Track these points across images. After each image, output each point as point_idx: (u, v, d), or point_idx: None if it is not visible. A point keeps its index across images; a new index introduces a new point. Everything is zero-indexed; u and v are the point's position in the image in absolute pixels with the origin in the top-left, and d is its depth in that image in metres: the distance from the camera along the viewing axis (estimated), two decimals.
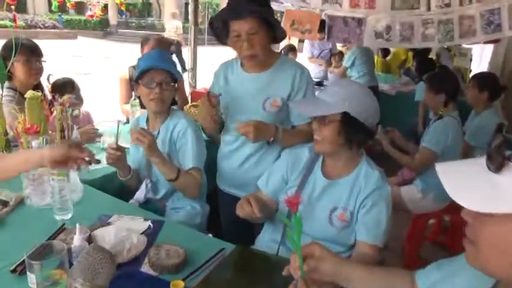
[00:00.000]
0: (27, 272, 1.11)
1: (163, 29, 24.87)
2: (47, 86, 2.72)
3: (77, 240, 1.17)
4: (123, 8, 15.25)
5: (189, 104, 3.25)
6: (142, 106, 2.01)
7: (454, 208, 2.42)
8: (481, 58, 7.04)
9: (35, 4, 24.20)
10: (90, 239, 1.37)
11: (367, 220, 1.42)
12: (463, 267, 0.86)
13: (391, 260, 2.54)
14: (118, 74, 3.26)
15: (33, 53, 2.41)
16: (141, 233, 1.49)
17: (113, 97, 3.91)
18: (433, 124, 2.65)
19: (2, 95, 2.18)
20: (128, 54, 2.95)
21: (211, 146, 2.15)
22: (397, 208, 2.53)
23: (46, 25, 20.23)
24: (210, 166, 2.04)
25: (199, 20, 4.31)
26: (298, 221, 0.95)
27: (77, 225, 1.19)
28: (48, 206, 1.63)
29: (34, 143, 1.67)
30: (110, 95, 4.80)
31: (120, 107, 3.45)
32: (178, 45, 9.42)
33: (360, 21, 3.30)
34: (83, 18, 22.64)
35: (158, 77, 1.82)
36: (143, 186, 1.93)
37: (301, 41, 7.15)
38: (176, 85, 1.92)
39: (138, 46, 3.28)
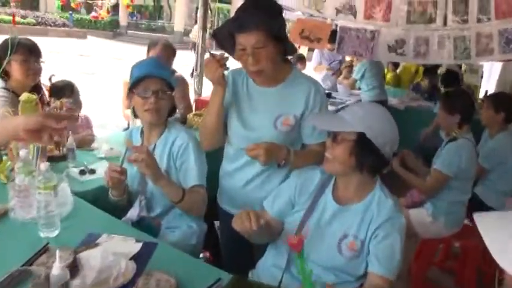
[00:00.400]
0: None
1: (173, 32, 25.06)
2: (45, 87, 2.62)
3: (57, 268, 1.06)
4: (130, 10, 15.27)
5: (193, 112, 3.15)
6: (136, 117, 1.86)
7: (465, 234, 2.29)
8: (490, 74, 6.92)
9: (47, 2, 24.35)
10: (74, 263, 1.26)
11: (380, 252, 1.33)
12: None
13: (396, 284, 2.42)
14: (123, 76, 3.15)
15: (31, 53, 2.31)
16: (131, 257, 1.37)
17: (117, 99, 3.81)
18: (445, 146, 2.51)
19: None
20: (136, 56, 2.91)
21: (208, 155, 2.00)
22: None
23: (56, 23, 20.28)
24: (208, 178, 1.92)
25: (208, 25, 4.21)
26: (302, 265, 0.83)
27: (57, 251, 1.07)
28: (34, 220, 1.51)
29: (22, 152, 1.55)
30: (115, 97, 4.74)
31: (122, 111, 3.35)
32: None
33: (373, 34, 3.18)
34: (106, 15, 22.76)
35: (154, 86, 1.69)
36: (137, 203, 1.81)
37: (310, 49, 7.06)
38: (173, 93, 1.80)
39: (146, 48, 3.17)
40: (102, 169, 2.04)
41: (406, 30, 3.04)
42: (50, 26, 19.87)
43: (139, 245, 1.45)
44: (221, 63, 1.58)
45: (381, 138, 1.31)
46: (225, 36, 1.62)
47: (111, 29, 25.01)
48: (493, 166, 2.88)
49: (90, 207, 1.73)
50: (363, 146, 1.31)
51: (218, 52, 1.64)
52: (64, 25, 20.40)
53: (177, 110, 3.10)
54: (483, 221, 0.64)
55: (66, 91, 2.50)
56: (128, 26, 27.11)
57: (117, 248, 1.41)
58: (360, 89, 5.40)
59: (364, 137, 1.30)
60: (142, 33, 26.22)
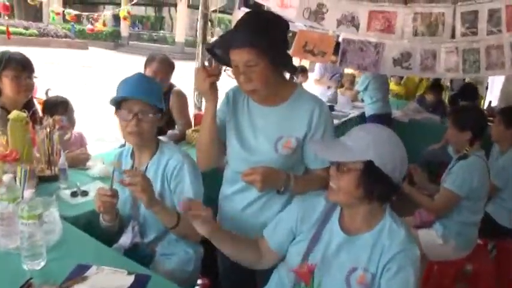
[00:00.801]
0: None
1: (174, 43, 25.17)
2: (40, 101, 2.53)
3: None
4: (127, 23, 15.31)
5: (192, 128, 3.04)
6: None
7: (477, 255, 2.17)
8: (492, 85, 6.85)
9: (50, 14, 24.47)
10: None
11: (393, 287, 1.22)
12: None
13: None
14: None
15: (23, 68, 2.22)
16: None
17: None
18: (456, 163, 2.40)
19: None
20: (137, 66, 2.86)
21: (208, 178, 1.90)
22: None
23: (58, 34, 20.36)
24: (207, 201, 1.81)
25: (209, 37, 4.15)
26: None
27: None
28: (17, 250, 1.40)
29: (5, 177, 1.44)
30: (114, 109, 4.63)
31: (118, 125, 3.25)
32: None
33: (377, 47, 3.08)
34: (104, 28, 22.81)
35: (135, 108, 1.58)
36: (129, 229, 1.71)
37: None
38: (160, 115, 1.68)
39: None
40: (95, 191, 1.94)
41: (412, 42, 2.95)
42: (52, 37, 19.95)
43: (131, 278, 1.35)
44: (210, 73, 1.49)
45: (390, 165, 1.21)
46: (220, 52, 1.52)
47: (113, 39, 25.12)
48: (504, 184, 2.78)
49: (80, 235, 1.61)
50: (370, 175, 1.21)
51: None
52: (66, 36, 20.48)
53: (176, 126, 3.04)
54: None
55: (59, 108, 2.40)
56: (130, 36, 27.27)
57: (107, 282, 1.32)
58: (363, 100, 5.32)
59: (372, 165, 1.20)
60: (143, 43, 26.40)
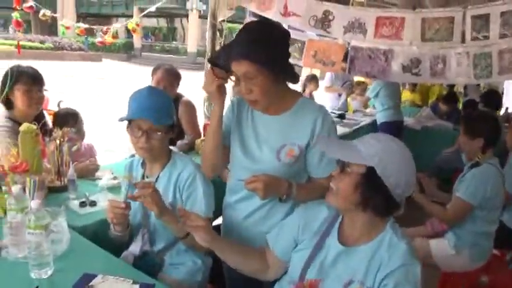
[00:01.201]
0: None
1: (186, 53, 25.46)
2: (50, 115, 2.57)
3: None
4: (137, 35, 15.52)
5: (202, 137, 3.05)
6: None
7: (493, 266, 2.09)
8: (508, 90, 6.74)
9: (60, 28, 25.00)
10: None
11: None
12: None
13: None
14: None
15: (34, 82, 2.27)
16: None
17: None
18: (468, 171, 2.34)
19: None
20: (149, 77, 2.93)
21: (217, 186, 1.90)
22: (423, 262, 2.22)
23: (72, 47, 20.80)
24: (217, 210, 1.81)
25: (218, 47, 4.19)
26: None
27: None
28: (26, 259, 1.41)
29: (14, 188, 1.47)
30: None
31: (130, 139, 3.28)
32: None
33: (386, 54, 3.06)
34: (113, 41, 23.26)
35: (144, 126, 1.58)
36: (139, 237, 1.72)
37: None
38: (171, 128, 1.68)
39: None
40: (103, 201, 1.96)
41: (421, 48, 2.92)
42: (67, 50, 20.39)
43: (135, 287, 1.35)
44: (218, 75, 1.50)
45: (393, 179, 1.17)
46: (225, 62, 1.53)
47: (126, 51, 25.52)
48: None
49: (87, 244, 1.62)
50: (370, 182, 1.18)
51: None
52: (80, 49, 20.90)
53: (185, 136, 3.06)
54: None
55: (70, 120, 2.44)
56: (142, 48, 27.70)
57: None
58: (374, 107, 5.28)
59: (374, 172, 1.17)
60: (156, 54, 26.77)
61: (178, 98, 3.06)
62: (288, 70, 1.51)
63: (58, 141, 2.09)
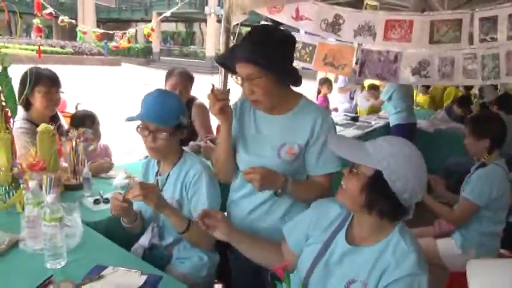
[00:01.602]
0: None
1: (204, 57, 25.70)
2: (66, 117, 2.69)
3: None
4: (151, 39, 15.77)
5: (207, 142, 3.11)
6: None
7: None
8: None
9: (78, 33, 25.60)
10: None
11: None
12: None
13: None
14: None
15: (53, 84, 2.38)
16: None
17: None
18: (474, 172, 2.36)
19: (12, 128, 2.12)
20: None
21: (223, 186, 1.97)
22: (431, 262, 2.24)
23: (92, 52, 21.26)
24: (222, 208, 1.88)
25: None
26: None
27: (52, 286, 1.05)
28: (42, 251, 1.50)
29: (31, 183, 1.57)
30: None
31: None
32: None
33: (395, 56, 3.10)
34: (128, 45, 23.68)
35: (151, 126, 1.68)
36: (149, 229, 1.80)
37: None
38: (180, 129, 1.75)
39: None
40: None
41: (429, 50, 2.94)
42: (87, 54, 20.86)
43: (143, 278, 1.42)
44: (219, 97, 1.56)
45: (400, 184, 1.15)
46: (231, 62, 1.60)
47: (145, 55, 25.92)
48: None
49: (100, 239, 1.71)
50: (376, 185, 1.17)
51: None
52: (99, 53, 21.34)
53: (199, 138, 3.14)
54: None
55: (87, 121, 2.54)
56: (161, 52, 28.05)
57: (120, 280, 1.39)
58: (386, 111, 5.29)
59: (381, 176, 1.16)
60: (174, 59, 27.09)
61: (191, 100, 3.15)
62: (291, 73, 1.56)
63: (74, 142, 2.19)
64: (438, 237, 2.51)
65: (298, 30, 3.81)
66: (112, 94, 11.84)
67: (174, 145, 1.77)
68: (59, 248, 1.45)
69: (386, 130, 5.06)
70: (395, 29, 3.04)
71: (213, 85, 1.62)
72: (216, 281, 1.96)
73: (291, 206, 1.66)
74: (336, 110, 6.19)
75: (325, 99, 6.07)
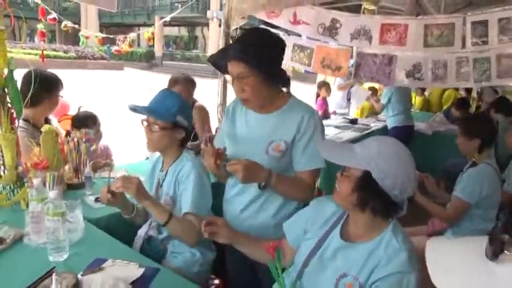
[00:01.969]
0: None
1: (206, 61, 25.65)
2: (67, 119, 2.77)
3: None
4: (154, 44, 15.82)
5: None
6: None
7: None
8: None
9: (80, 37, 25.82)
10: (76, 286, 1.31)
11: None
12: None
13: None
14: None
15: (57, 87, 2.45)
16: (132, 282, 1.40)
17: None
18: (466, 171, 2.43)
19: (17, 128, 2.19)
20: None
21: (221, 186, 2.04)
22: (424, 260, 2.28)
23: (95, 56, 21.41)
24: (218, 208, 1.95)
25: None
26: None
27: (53, 275, 1.12)
28: (45, 245, 1.57)
29: (35, 181, 1.64)
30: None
31: None
32: None
33: (390, 59, 3.17)
34: (129, 50, 23.83)
35: (149, 120, 1.78)
36: (148, 222, 1.88)
37: None
38: (177, 128, 1.81)
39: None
40: None
41: (423, 54, 3.01)
42: (89, 59, 21.01)
43: (141, 270, 1.49)
44: (217, 158, 1.60)
45: (389, 181, 1.18)
46: (223, 62, 1.67)
47: (147, 60, 26.04)
48: None
49: (100, 234, 1.78)
50: (366, 185, 1.21)
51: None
52: (102, 58, 21.48)
53: (199, 138, 3.21)
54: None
55: (88, 122, 2.62)
56: (163, 56, 28.17)
57: (119, 272, 1.45)
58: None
59: (370, 176, 1.19)
60: (177, 63, 27.18)
61: (192, 103, 3.23)
62: (279, 74, 1.65)
63: (76, 142, 2.26)
64: (431, 235, 2.56)
65: (299, 35, 3.89)
66: (114, 98, 11.93)
67: (172, 142, 1.83)
68: (61, 241, 1.52)
69: (384, 132, 5.11)
70: (390, 32, 3.11)
71: (207, 139, 1.72)
72: (212, 276, 2.05)
73: (282, 204, 1.71)
74: (335, 113, 6.26)
75: (324, 102, 6.15)
